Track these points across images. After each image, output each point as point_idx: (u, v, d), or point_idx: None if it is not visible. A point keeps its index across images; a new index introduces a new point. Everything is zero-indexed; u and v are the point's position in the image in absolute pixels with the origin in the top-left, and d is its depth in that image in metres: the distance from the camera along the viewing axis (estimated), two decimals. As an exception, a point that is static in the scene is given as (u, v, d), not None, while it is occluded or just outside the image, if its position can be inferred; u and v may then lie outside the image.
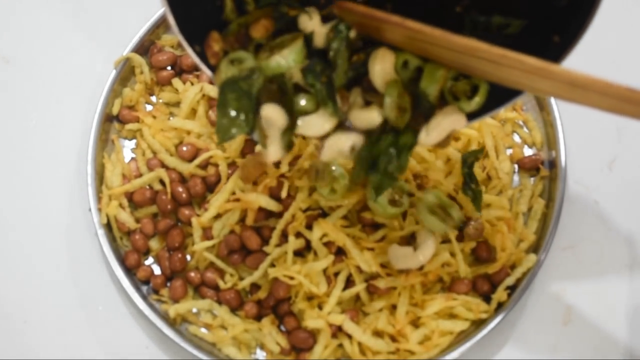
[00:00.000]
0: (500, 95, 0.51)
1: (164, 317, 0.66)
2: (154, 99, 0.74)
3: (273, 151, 0.52)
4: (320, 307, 0.64)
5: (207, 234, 0.67)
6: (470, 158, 0.66)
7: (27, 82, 0.77)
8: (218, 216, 0.67)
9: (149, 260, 0.69)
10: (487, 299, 0.66)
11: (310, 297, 0.64)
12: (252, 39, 0.53)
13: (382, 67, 0.52)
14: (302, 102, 0.53)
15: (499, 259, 0.65)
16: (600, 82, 0.44)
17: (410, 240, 0.65)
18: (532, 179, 0.71)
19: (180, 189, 0.68)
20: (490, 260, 0.66)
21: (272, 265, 0.65)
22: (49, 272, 0.70)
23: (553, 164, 0.70)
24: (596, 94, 0.45)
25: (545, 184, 0.70)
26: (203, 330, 0.66)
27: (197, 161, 0.68)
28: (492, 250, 0.66)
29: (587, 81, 0.44)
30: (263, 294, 0.65)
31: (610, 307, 0.68)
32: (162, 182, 0.69)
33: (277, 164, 0.64)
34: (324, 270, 0.64)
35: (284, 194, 0.64)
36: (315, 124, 0.53)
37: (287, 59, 0.52)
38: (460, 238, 0.66)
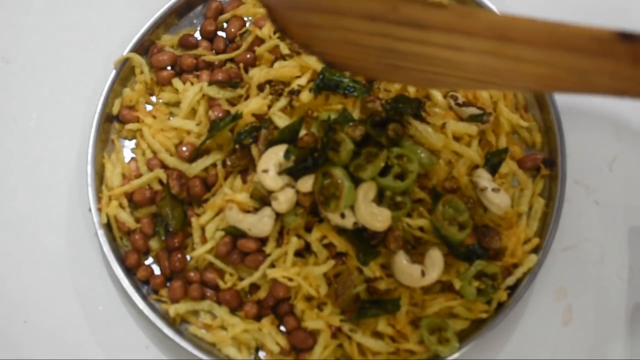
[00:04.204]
0: None
1: (164, 317, 0.66)
2: (154, 99, 0.74)
3: None
4: (320, 308, 0.64)
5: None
6: (496, 158, 0.66)
7: (27, 82, 0.77)
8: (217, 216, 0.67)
9: (149, 260, 0.69)
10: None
11: (309, 298, 0.64)
12: None
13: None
14: None
15: (504, 259, 0.65)
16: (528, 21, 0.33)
17: (411, 245, 0.65)
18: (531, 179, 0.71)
19: (180, 190, 0.68)
20: (494, 259, 0.66)
21: (272, 265, 0.65)
22: (49, 272, 0.70)
23: (553, 164, 0.70)
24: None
25: (545, 184, 0.70)
26: (203, 331, 0.66)
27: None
28: (500, 252, 0.66)
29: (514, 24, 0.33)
30: (263, 294, 0.65)
31: (610, 307, 0.68)
32: (162, 182, 0.69)
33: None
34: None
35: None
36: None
37: None
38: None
